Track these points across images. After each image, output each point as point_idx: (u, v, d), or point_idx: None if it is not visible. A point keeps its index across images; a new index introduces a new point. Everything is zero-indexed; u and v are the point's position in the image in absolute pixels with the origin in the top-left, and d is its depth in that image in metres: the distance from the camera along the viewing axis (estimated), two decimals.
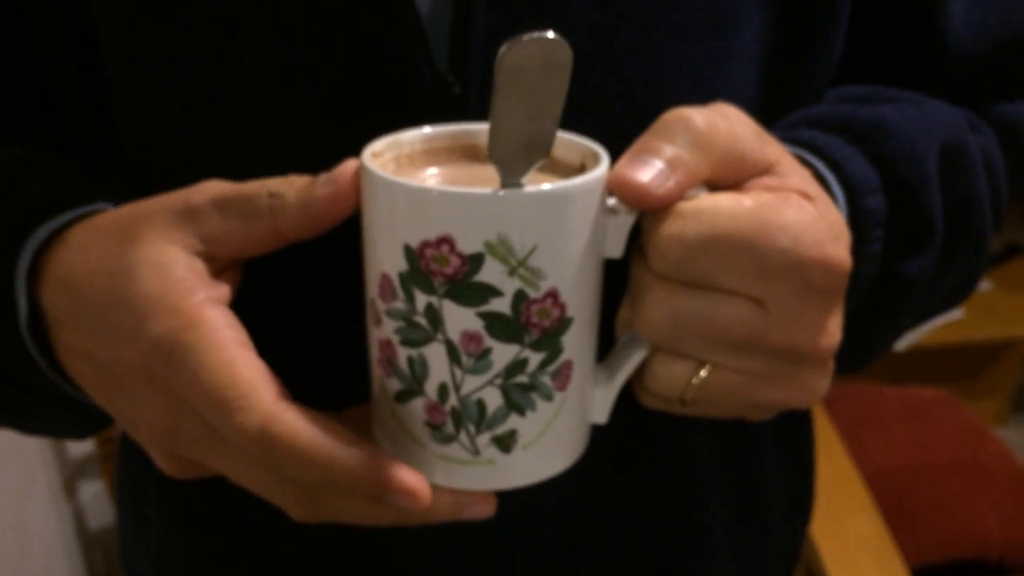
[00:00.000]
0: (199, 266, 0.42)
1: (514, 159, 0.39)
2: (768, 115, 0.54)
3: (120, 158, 0.55)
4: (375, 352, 0.42)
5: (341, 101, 0.48)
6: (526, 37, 0.36)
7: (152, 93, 0.50)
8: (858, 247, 0.50)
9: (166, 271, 0.41)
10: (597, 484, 0.56)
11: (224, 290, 0.43)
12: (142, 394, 0.42)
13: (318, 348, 0.53)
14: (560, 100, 0.38)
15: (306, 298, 0.53)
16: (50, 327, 0.46)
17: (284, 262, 0.50)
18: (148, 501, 0.66)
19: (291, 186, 0.41)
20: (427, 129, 0.44)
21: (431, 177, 0.44)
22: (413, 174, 0.44)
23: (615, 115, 0.49)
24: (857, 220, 0.50)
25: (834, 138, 0.52)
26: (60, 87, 0.55)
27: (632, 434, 0.55)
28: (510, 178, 0.39)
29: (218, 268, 0.44)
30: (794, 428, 0.70)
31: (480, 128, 0.45)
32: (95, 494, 1.81)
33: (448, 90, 0.47)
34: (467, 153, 0.45)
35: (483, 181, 0.43)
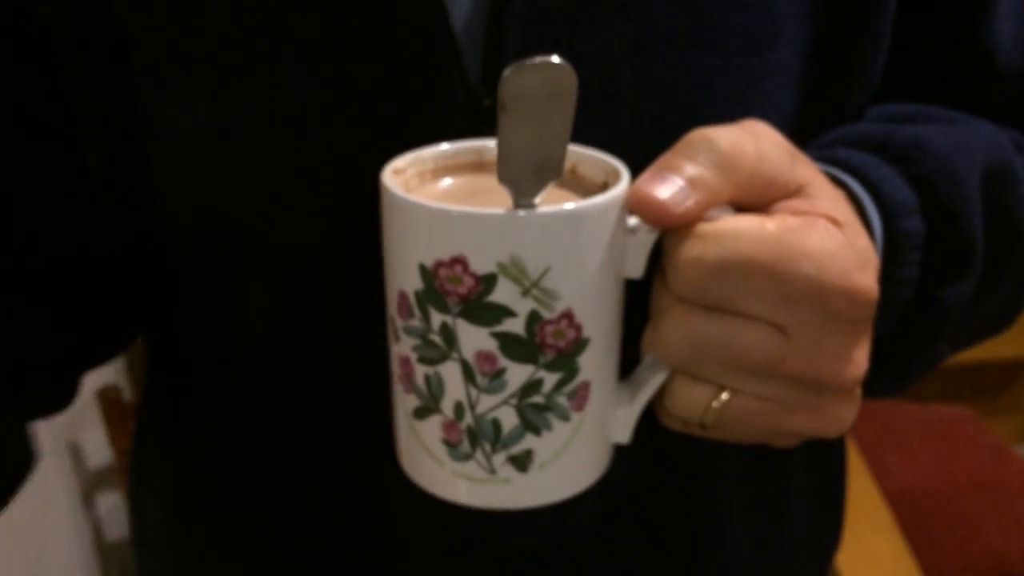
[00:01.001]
0: None
1: (524, 181, 0.39)
2: (806, 133, 0.54)
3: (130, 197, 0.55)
4: (395, 368, 0.43)
5: (373, 114, 0.48)
6: (529, 62, 0.36)
7: (188, 118, 0.50)
8: (894, 270, 0.49)
9: None
10: (618, 503, 0.56)
11: None
12: None
13: (341, 363, 0.53)
14: (567, 123, 0.38)
15: (330, 312, 0.53)
16: None
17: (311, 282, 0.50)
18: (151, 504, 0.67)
19: None
20: (450, 144, 0.45)
21: (447, 189, 0.44)
22: (433, 188, 0.44)
23: (647, 132, 0.49)
24: (893, 242, 0.49)
25: (871, 158, 0.51)
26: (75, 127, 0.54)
27: (656, 453, 0.55)
28: (522, 199, 0.39)
29: None
30: (823, 456, 0.69)
31: None
32: (113, 505, 1.81)
33: (480, 103, 0.47)
34: (493, 168, 0.45)
35: (502, 195, 0.43)
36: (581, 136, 0.48)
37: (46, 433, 1.64)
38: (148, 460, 0.68)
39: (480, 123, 0.47)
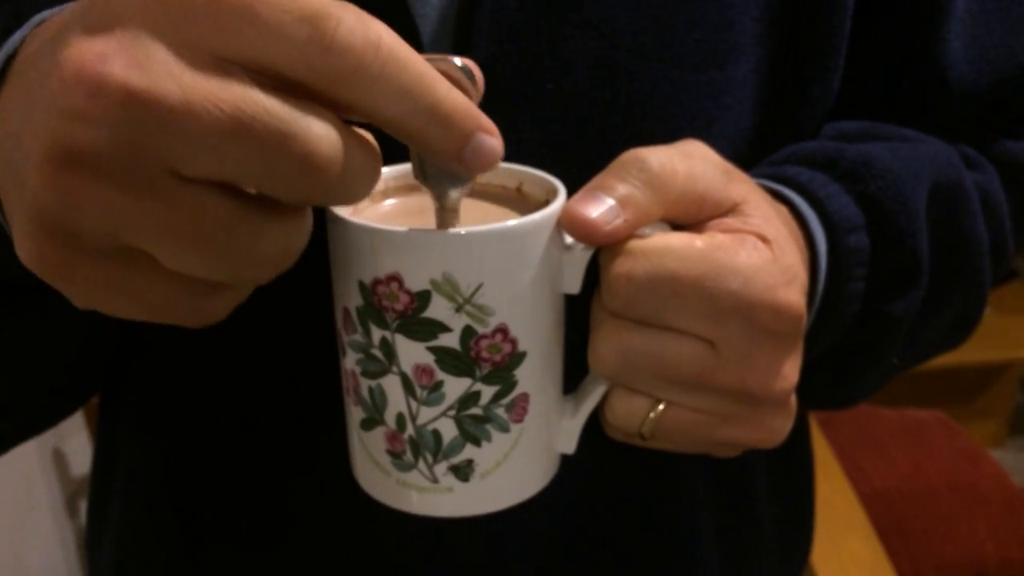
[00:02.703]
0: None
1: (438, 183, 0.39)
2: (764, 146, 0.55)
3: None
4: (344, 381, 0.44)
5: None
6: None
7: None
8: (840, 285, 0.51)
9: None
10: (584, 505, 0.57)
11: None
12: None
13: (300, 370, 0.54)
14: None
15: (289, 323, 0.54)
16: None
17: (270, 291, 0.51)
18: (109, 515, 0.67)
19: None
20: (396, 167, 0.46)
21: (391, 209, 0.45)
22: (378, 209, 0.45)
23: (613, 145, 0.49)
24: (839, 258, 0.50)
25: (819, 175, 0.52)
26: None
27: (619, 456, 0.55)
28: (441, 201, 0.40)
29: None
30: (786, 464, 0.70)
31: None
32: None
33: None
34: None
35: (463, 212, 0.45)
36: (548, 149, 0.50)
37: (30, 441, 1.65)
38: (105, 495, 0.68)
39: None
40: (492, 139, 0.34)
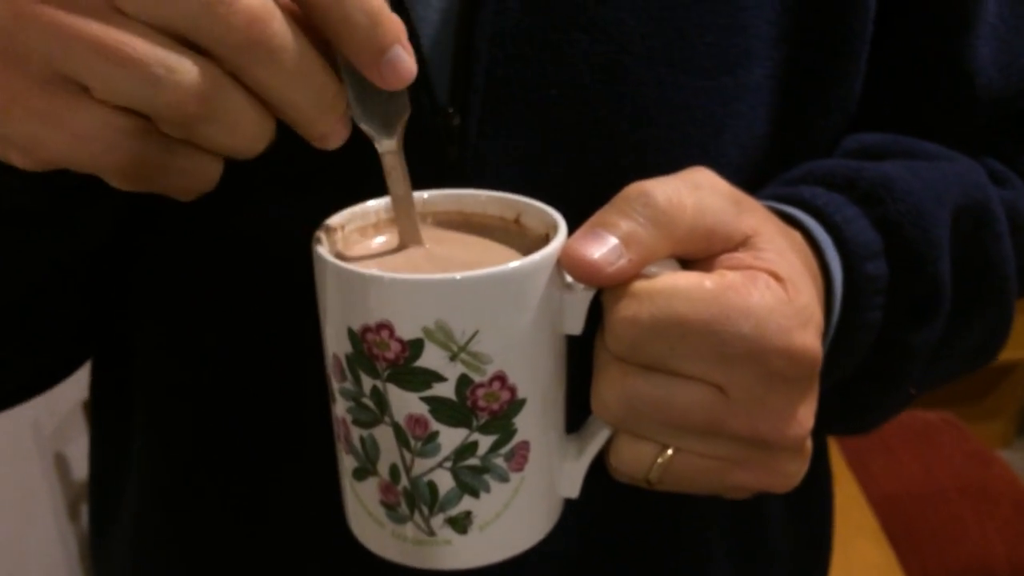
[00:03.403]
0: None
1: (370, 121, 0.39)
2: (780, 153, 0.53)
3: None
4: (335, 428, 0.42)
5: None
6: None
7: None
8: (856, 314, 0.48)
9: None
10: (596, 527, 0.55)
11: None
12: None
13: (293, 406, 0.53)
14: None
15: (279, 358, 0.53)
16: None
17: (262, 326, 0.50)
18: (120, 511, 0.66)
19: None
20: (388, 199, 0.44)
21: (381, 246, 0.43)
22: (368, 245, 0.43)
23: (620, 153, 0.48)
24: (855, 286, 0.48)
25: (836, 196, 0.50)
26: None
27: (630, 493, 0.54)
28: (377, 145, 0.39)
29: None
30: (803, 498, 0.66)
31: (449, 194, 0.45)
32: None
33: (448, 121, 0.47)
34: (437, 219, 0.45)
35: (448, 246, 0.43)
36: (552, 155, 0.48)
37: (32, 444, 1.64)
38: (110, 497, 0.67)
39: (449, 143, 0.47)
40: (408, 56, 0.36)
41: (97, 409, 0.68)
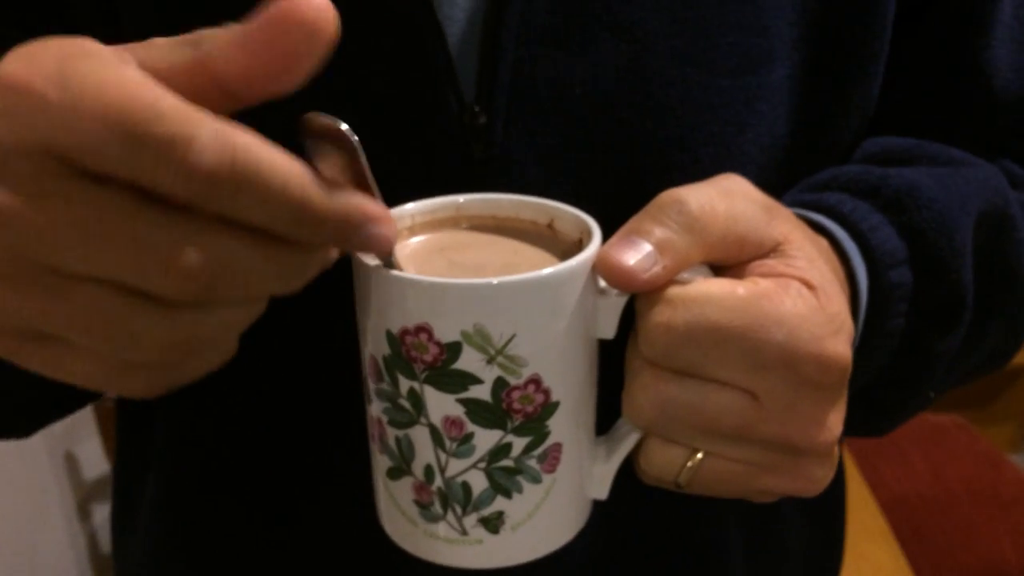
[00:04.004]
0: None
1: (315, 150, 0.37)
2: (801, 153, 0.53)
3: None
4: (370, 428, 0.43)
5: (367, 131, 0.48)
6: (314, 117, 0.34)
7: None
8: (880, 321, 0.49)
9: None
10: (616, 527, 0.55)
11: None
12: None
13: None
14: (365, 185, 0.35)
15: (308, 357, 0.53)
16: None
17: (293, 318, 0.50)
18: (139, 511, 0.66)
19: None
20: (429, 200, 0.45)
21: (417, 248, 0.44)
22: (405, 248, 0.44)
23: (643, 151, 0.49)
24: (880, 293, 0.48)
25: (862, 204, 0.50)
26: None
27: (653, 494, 0.54)
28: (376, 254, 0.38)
29: None
30: (818, 500, 0.67)
31: (482, 198, 0.45)
32: (109, 516, 1.81)
33: (474, 120, 0.47)
34: (470, 224, 0.46)
35: (473, 251, 0.43)
36: (576, 154, 0.48)
37: (42, 444, 1.65)
38: (133, 485, 0.67)
39: (473, 140, 0.47)
40: (378, 227, 0.33)
41: (120, 412, 0.68)
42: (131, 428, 0.67)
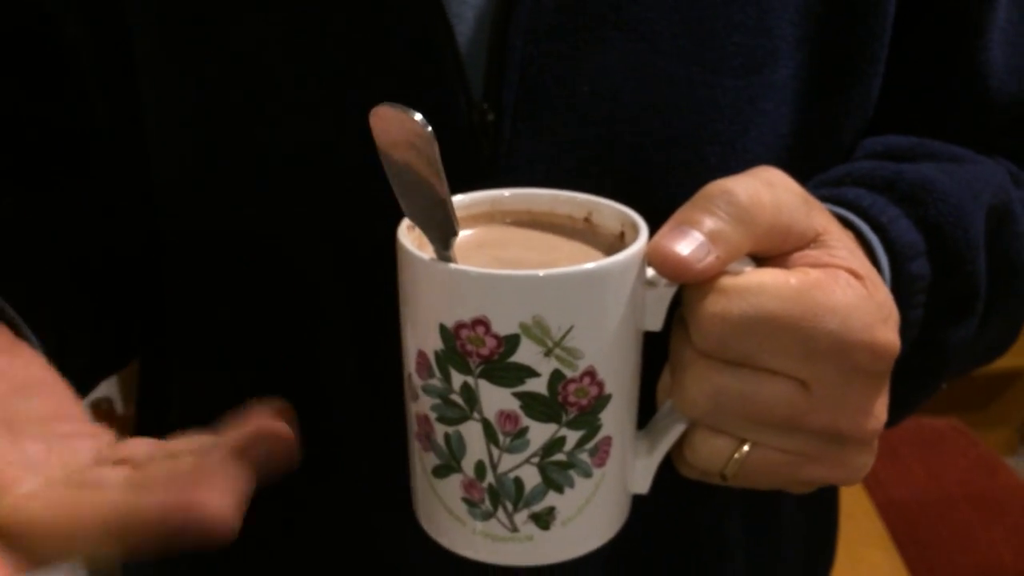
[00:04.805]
0: None
1: (426, 228, 0.39)
2: (804, 152, 0.54)
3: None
4: (413, 426, 0.42)
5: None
6: (390, 107, 0.35)
7: (189, 128, 0.51)
8: (902, 312, 0.48)
9: None
10: (626, 541, 0.55)
11: None
12: None
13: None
14: (435, 179, 0.37)
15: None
16: None
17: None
18: None
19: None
20: (465, 195, 0.44)
21: (457, 243, 0.44)
22: None
23: (650, 150, 0.49)
24: (900, 285, 0.49)
25: (879, 198, 0.51)
26: (91, 116, 0.55)
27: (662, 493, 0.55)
28: (435, 244, 0.39)
29: None
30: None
31: (518, 193, 0.45)
32: None
33: (483, 118, 0.48)
34: (507, 219, 0.45)
35: (513, 248, 0.43)
36: (584, 152, 0.49)
37: None
38: None
39: (483, 138, 0.48)
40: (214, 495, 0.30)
41: (139, 410, 0.68)
42: (144, 431, 0.67)
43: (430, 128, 0.35)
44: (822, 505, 0.70)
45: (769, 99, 0.51)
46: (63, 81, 0.55)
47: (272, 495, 0.57)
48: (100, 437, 0.35)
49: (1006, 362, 2.30)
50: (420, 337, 0.39)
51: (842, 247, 0.41)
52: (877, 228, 0.49)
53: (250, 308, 0.55)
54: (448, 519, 0.42)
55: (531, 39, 0.47)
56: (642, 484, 0.45)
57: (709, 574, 0.61)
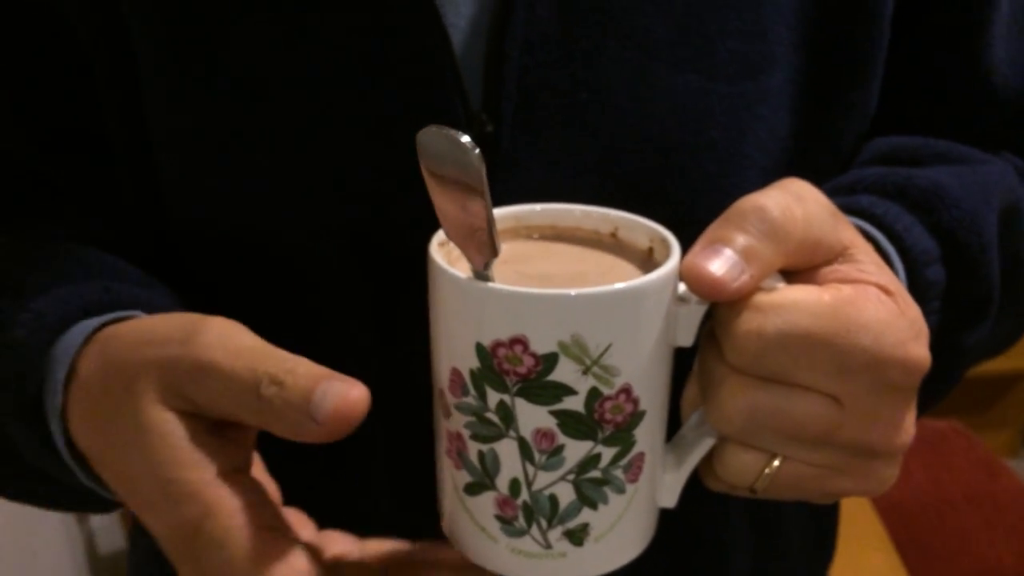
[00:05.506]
0: (200, 431, 0.40)
1: (465, 249, 0.39)
2: (802, 155, 0.54)
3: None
4: (444, 443, 0.42)
5: (375, 139, 0.48)
6: (437, 129, 0.36)
7: (191, 142, 0.51)
8: None
9: (170, 445, 0.39)
10: None
11: (233, 454, 0.41)
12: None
13: None
14: (481, 201, 0.37)
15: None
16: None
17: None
18: None
19: (294, 381, 0.37)
20: (500, 209, 0.44)
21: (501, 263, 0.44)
22: None
23: (648, 157, 0.49)
24: (916, 292, 0.49)
25: (893, 206, 0.51)
26: (105, 136, 0.55)
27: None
28: (473, 266, 0.39)
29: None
30: None
31: (547, 209, 0.45)
32: (106, 518, 1.80)
33: (481, 128, 0.48)
34: (532, 234, 0.45)
35: (541, 262, 0.43)
36: (582, 160, 0.49)
37: None
38: None
39: (480, 148, 0.48)
40: (339, 388, 0.37)
41: None
42: None
43: (478, 150, 0.35)
44: (821, 506, 0.70)
45: (766, 104, 0.51)
46: (74, 85, 0.55)
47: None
48: None
49: (1007, 364, 2.32)
50: (454, 355, 0.39)
51: (869, 261, 0.41)
52: (892, 236, 0.50)
53: (263, 316, 0.55)
54: (479, 536, 0.42)
55: (527, 49, 0.47)
56: (670, 498, 0.45)
57: (711, 568, 0.62)
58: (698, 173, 0.50)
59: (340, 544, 0.45)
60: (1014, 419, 2.52)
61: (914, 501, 1.70)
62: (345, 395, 0.36)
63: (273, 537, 0.39)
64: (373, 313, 0.52)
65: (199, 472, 0.39)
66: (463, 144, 0.35)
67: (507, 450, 0.39)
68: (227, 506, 0.38)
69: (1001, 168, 0.57)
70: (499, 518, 0.41)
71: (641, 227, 0.43)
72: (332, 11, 0.48)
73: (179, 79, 0.50)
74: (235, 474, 0.40)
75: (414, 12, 0.47)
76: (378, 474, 0.56)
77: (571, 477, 0.39)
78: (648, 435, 0.40)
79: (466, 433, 0.40)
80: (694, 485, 0.56)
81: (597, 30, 0.47)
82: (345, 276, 0.52)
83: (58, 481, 0.48)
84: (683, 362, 0.43)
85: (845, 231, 0.42)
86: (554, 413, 0.38)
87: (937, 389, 0.54)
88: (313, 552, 0.40)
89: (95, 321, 0.45)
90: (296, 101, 0.49)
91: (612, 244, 0.44)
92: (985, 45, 0.56)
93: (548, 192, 0.46)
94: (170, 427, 0.39)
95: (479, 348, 0.38)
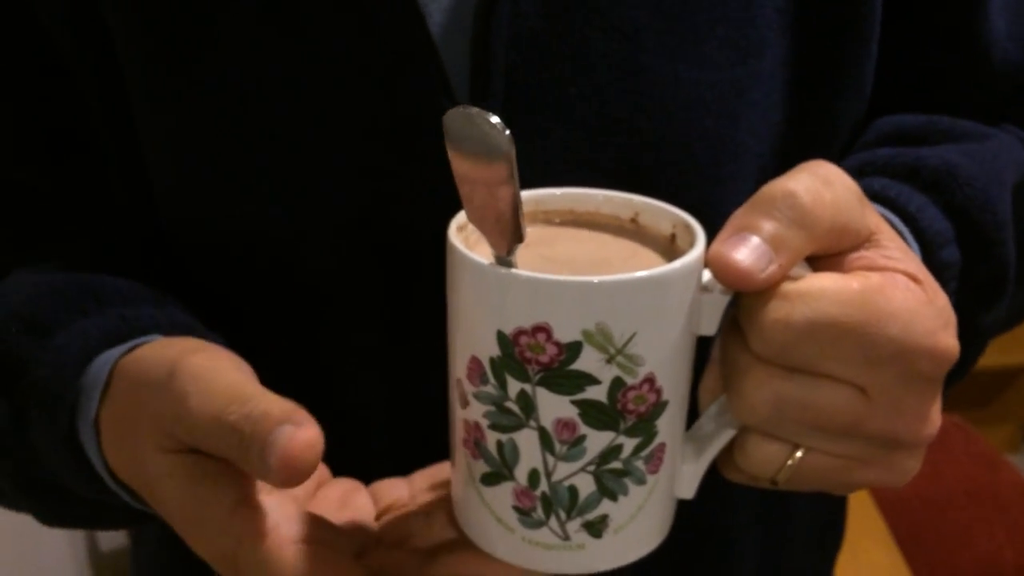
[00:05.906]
0: (206, 465, 0.40)
1: (488, 233, 0.38)
2: (798, 138, 0.53)
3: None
4: (460, 432, 0.41)
5: (361, 141, 0.48)
6: (465, 109, 0.35)
7: (181, 145, 0.51)
8: None
9: (180, 487, 0.40)
10: None
11: (246, 479, 0.41)
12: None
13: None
14: (510, 185, 0.36)
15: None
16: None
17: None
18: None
19: (252, 430, 0.37)
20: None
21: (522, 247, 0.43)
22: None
23: (641, 148, 0.49)
24: (932, 273, 0.47)
25: (905, 187, 0.50)
26: (97, 142, 0.55)
27: None
28: (496, 251, 0.38)
29: None
30: None
31: (567, 193, 0.45)
32: None
33: None
34: (551, 218, 0.45)
35: (560, 246, 0.43)
36: (572, 153, 0.49)
37: None
38: None
39: None
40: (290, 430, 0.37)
41: None
42: None
43: (508, 131, 0.34)
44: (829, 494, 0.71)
45: (757, 89, 0.50)
46: (60, 86, 0.54)
47: None
48: None
49: (1008, 359, 2.31)
50: (474, 342, 0.38)
51: (895, 247, 0.40)
52: (906, 218, 0.49)
53: (263, 317, 0.55)
54: (496, 527, 0.41)
55: (513, 46, 0.47)
56: (688, 489, 0.44)
57: (718, 558, 0.61)
58: (691, 163, 0.50)
59: (393, 491, 0.47)
60: (1015, 414, 2.52)
61: (915, 496, 1.70)
62: (288, 441, 0.36)
63: (310, 548, 0.39)
64: (373, 313, 0.52)
65: (216, 507, 0.39)
66: (493, 124, 0.34)
67: (527, 440, 0.38)
68: (254, 531, 0.39)
69: (1009, 143, 0.56)
70: (517, 509, 0.40)
71: (664, 213, 0.42)
72: (316, 11, 0.47)
73: (164, 80, 0.50)
74: (255, 497, 0.40)
75: (395, 10, 0.46)
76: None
77: (591, 468, 0.39)
78: (670, 425, 0.40)
79: (485, 423, 0.39)
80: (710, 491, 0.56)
81: (583, 24, 0.47)
82: (340, 276, 0.51)
83: (113, 507, 0.49)
84: (702, 350, 0.42)
85: (871, 216, 0.41)
86: (576, 403, 0.37)
87: (954, 372, 0.54)
88: (360, 536, 0.42)
89: (116, 352, 0.46)
90: (283, 101, 0.48)
91: (633, 230, 0.44)
92: (984, 18, 0.55)
93: (538, 187, 0.46)
94: (176, 470, 0.40)
95: (500, 336, 0.37)
